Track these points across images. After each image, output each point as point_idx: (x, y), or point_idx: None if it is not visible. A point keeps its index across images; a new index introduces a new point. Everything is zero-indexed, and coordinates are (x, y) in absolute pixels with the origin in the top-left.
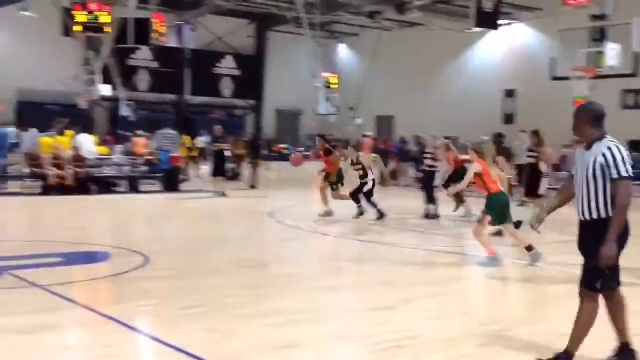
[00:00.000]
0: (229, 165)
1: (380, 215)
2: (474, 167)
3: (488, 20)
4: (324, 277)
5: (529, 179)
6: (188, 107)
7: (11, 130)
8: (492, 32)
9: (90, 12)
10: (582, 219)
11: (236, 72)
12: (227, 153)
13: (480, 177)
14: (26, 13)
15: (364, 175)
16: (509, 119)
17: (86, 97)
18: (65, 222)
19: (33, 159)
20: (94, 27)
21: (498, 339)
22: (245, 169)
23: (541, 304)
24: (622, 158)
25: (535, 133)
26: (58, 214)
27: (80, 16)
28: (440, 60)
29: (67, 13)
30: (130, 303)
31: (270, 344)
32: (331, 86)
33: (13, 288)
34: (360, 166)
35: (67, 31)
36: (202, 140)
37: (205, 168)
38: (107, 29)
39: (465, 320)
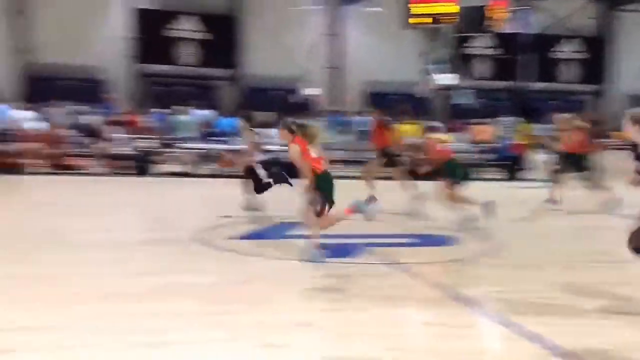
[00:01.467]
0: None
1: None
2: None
3: None
4: None
5: None
6: (526, 94)
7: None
8: None
9: (430, 4)
10: None
11: (578, 56)
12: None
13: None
14: (372, 9)
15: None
16: None
17: (426, 86)
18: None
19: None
20: (434, 18)
21: None
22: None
23: None
24: None
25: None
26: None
27: (421, 8)
28: None
29: (408, 6)
30: (478, 288)
31: None
32: None
33: (374, 263)
34: None
35: (408, 24)
36: (538, 129)
37: (544, 157)
38: (446, 19)
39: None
